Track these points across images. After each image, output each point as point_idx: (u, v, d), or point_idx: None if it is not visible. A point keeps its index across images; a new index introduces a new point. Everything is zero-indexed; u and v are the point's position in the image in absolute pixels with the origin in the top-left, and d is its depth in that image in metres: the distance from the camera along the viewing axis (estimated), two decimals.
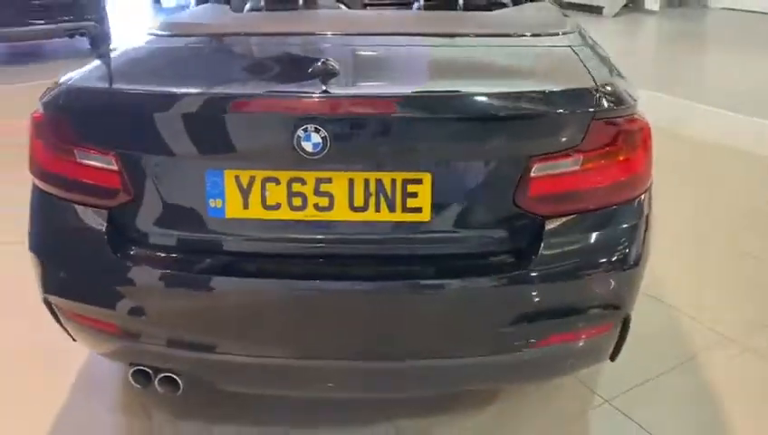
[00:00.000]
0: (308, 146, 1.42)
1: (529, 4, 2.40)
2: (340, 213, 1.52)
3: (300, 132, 1.41)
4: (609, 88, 1.54)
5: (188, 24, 2.11)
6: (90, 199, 1.59)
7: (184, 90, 1.54)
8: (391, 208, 1.50)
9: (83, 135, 1.56)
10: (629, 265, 1.57)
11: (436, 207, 1.51)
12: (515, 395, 2.06)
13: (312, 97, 1.43)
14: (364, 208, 1.51)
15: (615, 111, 1.52)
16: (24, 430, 1.96)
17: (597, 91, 1.51)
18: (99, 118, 1.55)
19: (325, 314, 1.55)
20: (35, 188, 1.68)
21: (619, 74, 1.73)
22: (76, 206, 1.60)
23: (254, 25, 2.07)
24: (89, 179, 1.57)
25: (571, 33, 1.90)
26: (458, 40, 1.87)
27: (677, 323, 2.44)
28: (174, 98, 1.51)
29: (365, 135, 1.48)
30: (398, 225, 1.52)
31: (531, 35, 1.86)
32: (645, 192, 1.63)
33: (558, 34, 1.87)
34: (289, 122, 1.42)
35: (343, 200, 1.51)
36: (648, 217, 1.63)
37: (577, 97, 1.50)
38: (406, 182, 1.49)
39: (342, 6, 2.49)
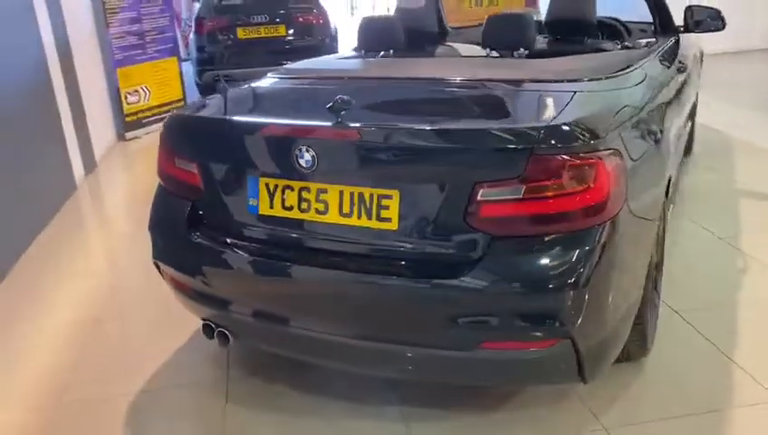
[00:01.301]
0: (302, 162, 1.89)
1: (619, 51, 2.61)
2: (333, 217, 1.94)
3: (296, 151, 1.88)
4: (562, 128, 1.76)
5: (297, 69, 2.70)
6: (181, 193, 2.24)
7: (242, 118, 2.11)
8: (369, 217, 1.89)
9: (179, 148, 2.21)
10: (570, 287, 1.74)
11: (403, 219, 1.85)
12: (512, 406, 2.24)
13: (306, 125, 1.90)
14: (350, 215, 1.92)
15: (559, 148, 1.72)
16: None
17: (540, 130, 1.74)
18: (187, 137, 2.19)
19: (314, 293, 1.98)
20: (158, 184, 2.38)
21: (611, 115, 1.91)
22: (173, 197, 2.26)
23: (339, 71, 2.59)
24: (182, 179, 2.22)
25: (610, 78, 2.16)
26: (492, 85, 2.20)
27: (725, 371, 2.36)
28: (231, 124, 2.09)
29: (346, 156, 1.89)
30: (373, 230, 1.90)
31: (566, 81, 2.14)
32: (602, 223, 1.77)
33: (589, 80, 2.13)
34: (290, 144, 1.90)
35: (335, 207, 1.93)
36: (606, 246, 1.78)
37: (517, 135, 1.75)
38: (380, 197, 1.87)
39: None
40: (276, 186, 2.01)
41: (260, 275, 2.06)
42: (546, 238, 1.77)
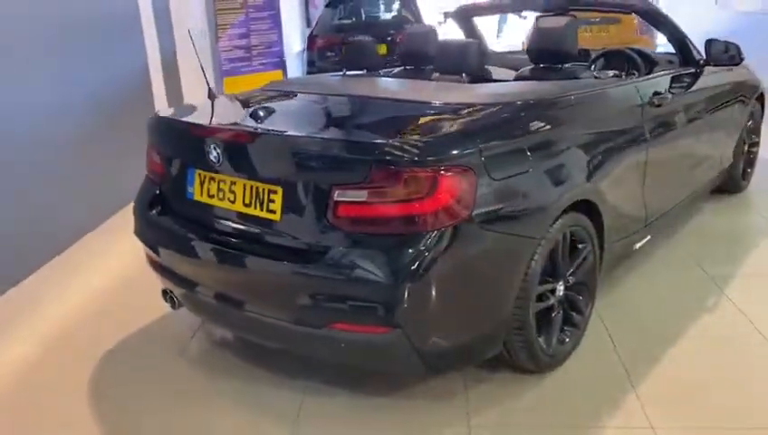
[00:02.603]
0: (212, 158, 2.29)
1: (557, 82, 2.76)
2: (239, 206, 2.32)
3: (208, 149, 2.29)
4: (402, 143, 2.04)
5: (280, 83, 3.10)
6: (154, 179, 2.73)
7: (184, 119, 2.54)
8: (262, 208, 2.25)
9: (153, 142, 2.70)
10: (399, 282, 1.98)
11: (284, 212, 2.19)
12: (400, 394, 2.46)
13: (212, 127, 2.32)
14: (249, 205, 2.29)
15: (396, 161, 1.98)
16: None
17: (382, 144, 2.01)
18: (156, 134, 2.67)
19: (222, 270, 2.35)
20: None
21: (469, 137, 2.13)
22: (149, 183, 2.76)
23: (304, 86, 2.95)
24: (153, 168, 2.71)
25: (503, 105, 2.39)
26: (398, 103, 2.50)
27: (622, 398, 2.40)
28: (179, 124, 2.53)
29: (242, 155, 2.26)
30: (264, 220, 2.25)
31: (456, 104, 2.43)
32: (438, 230, 2.00)
33: (480, 106, 2.39)
34: (204, 142, 2.31)
35: (240, 198, 2.31)
36: (442, 251, 2.00)
37: (364, 146, 2.04)
38: (269, 192, 2.22)
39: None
40: (204, 177, 2.43)
41: (188, 251, 2.47)
42: (385, 238, 2.03)
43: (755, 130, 4.59)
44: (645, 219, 3.14)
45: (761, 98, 4.51)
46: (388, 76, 3.49)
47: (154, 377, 2.70)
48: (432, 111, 2.41)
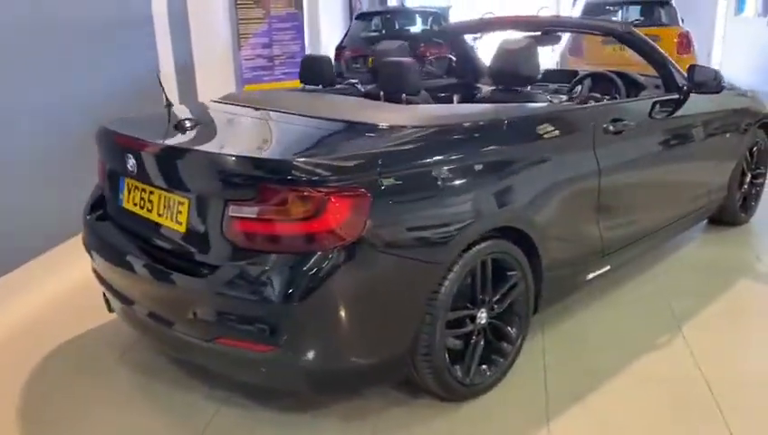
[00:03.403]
0: (129, 167, 2.34)
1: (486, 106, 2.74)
2: (155, 215, 2.36)
3: (126, 158, 2.34)
4: (289, 163, 2.03)
5: (233, 96, 3.12)
6: (100, 184, 2.81)
7: (114, 130, 2.59)
8: (172, 218, 2.28)
9: (99, 150, 2.77)
10: (281, 302, 1.98)
11: (189, 223, 2.22)
12: (313, 411, 2.45)
13: (127, 138, 2.38)
14: (163, 215, 2.33)
15: (283, 180, 1.98)
16: None
17: (269, 162, 2.03)
18: (100, 142, 2.74)
19: (133, 274, 2.37)
20: None
21: (365, 159, 2.11)
22: (96, 188, 2.84)
23: (251, 101, 2.94)
24: (99, 173, 2.79)
25: (377, 126, 2.37)
26: (315, 121, 2.53)
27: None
28: (112, 134, 2.59)
29: (154, 166, 2.30)
30: (173, 230, 2.28)
31: (363, 124, 2.42)
32: (323, 251, 1.98)
33: (382, 128, 2.36)
34: (124, 152, 2.37)
35: (156, 207, 2.35)
36: (328, 273, 1.98)
37: (253, 163, 2.04)
38: (178, 203, 2.26)
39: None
40: (131, 185, 2.49)
41: (111, 256, 2.54)
42: (270, 257, 2.02)
43: (761, 161, 4.36)
44: (602, 250, 3.03)
45: (766, 126, 4.29)
46: (336, 93, 3.47)
47: (92, 381, 2.76)
48: (342, 131, 2.40)
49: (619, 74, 3.78)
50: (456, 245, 2.25)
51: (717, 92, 3.42)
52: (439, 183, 2.22)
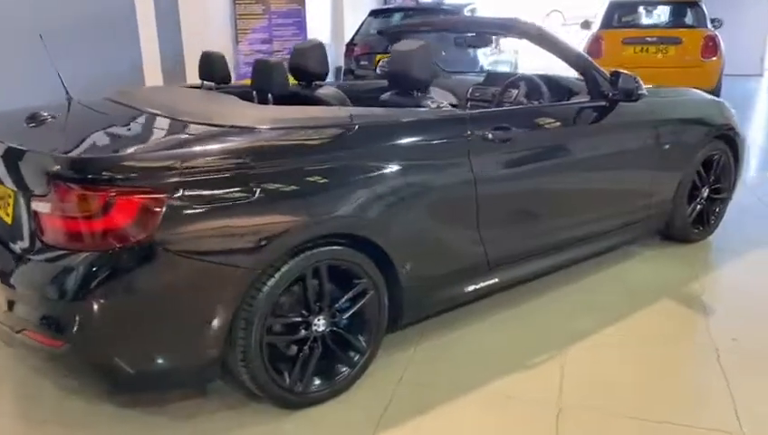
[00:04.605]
0: None
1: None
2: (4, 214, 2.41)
3: None
4: (73, 160, 2.06)
5: (116, 92, 3.08)
6: None
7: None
8: (6, 213, 2.33)
9: None
10: (64, 297, 2.00)
11: (13, 217, 2.26)
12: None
13: None
14: (0, 207, 2.38)
15: (71, 177, 1.99)
16: None
17: (63, 159, 2.05)
18: None
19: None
20: None
21: (163, 159, 2.09)
22: None
23: (126, 97, 2.92)
24: None
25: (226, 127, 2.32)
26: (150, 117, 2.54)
27: None
28: None
29: None
30: (4, 222, 2.33)
31: (188, 124, 2.39)
32: (110, 250, 1.99)
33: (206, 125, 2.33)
34: None
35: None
36: (115, 272, 2.00)
37: (47, 160, 2.07)
38: (7, 196, 2.31)
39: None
40: None
41: None
42: (61, 252, 2.04)
43: (723, 174, 4.08)
44: (486, 262, 2.91)
45: (729, 138, 4.01)
46: (224, 92, 3.42)
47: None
48: (170, 130, 2.39)
49: (548, 79, 3.62)
50: (273, 251, 2.21)
51: (634, 101, 3.22)
52: (253, 188, 2.17)
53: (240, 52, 7.40)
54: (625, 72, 3.26)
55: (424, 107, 2.85)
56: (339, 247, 2.40)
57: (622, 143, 3.39)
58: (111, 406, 2.49)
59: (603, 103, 3.28)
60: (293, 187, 2.26)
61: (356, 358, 2.55)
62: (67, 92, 3.04)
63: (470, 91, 4.11)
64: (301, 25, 7.76)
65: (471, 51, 9.23)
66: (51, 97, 3.94)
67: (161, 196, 2.02)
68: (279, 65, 3.12)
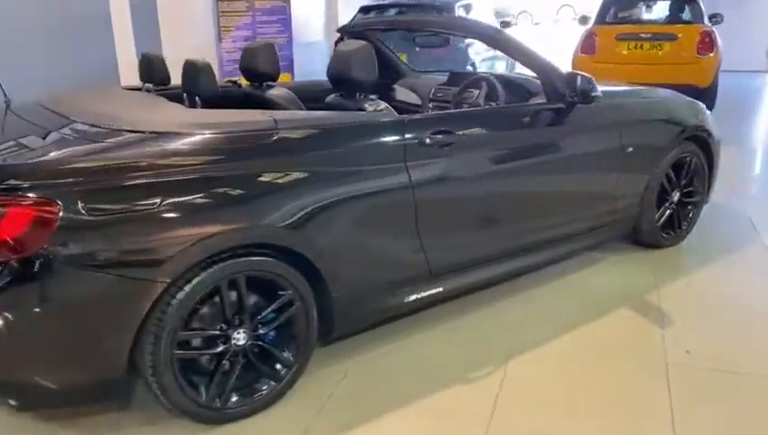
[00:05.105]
0: None
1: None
2: None
3: None
4: None
5: (47, 95, 3.00)
6: None
7: None
8: None
9: None
10: None
11: None
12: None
13: None
14: None
15: None
16: None
17: None
18: None
19: None
20: None
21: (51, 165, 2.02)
22: None
23: (51, 101, 2.83)
24: None
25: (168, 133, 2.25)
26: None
27: None
28: None
29: None
30: None
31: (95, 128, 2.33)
32: (3, 262, 1.91)
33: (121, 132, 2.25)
34: None
35: None
36: (6, 282, 1.92)
37: None
38: None
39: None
40: None
41: None
42: None
43: (697, 178, 3.94)
44: (429, 270, 2.81)
45: (702, 140, 3.87)
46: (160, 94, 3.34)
47: None
48: (79, 136, 2.30)
49: (507, 80, 3.50)
50: (181, 262, 2.12)
51: (588, 102, 3.09)
52: (160, 196, 2.08)
53: (223, 49, 7.32)
54: (582, 73, 3.13)
55: (363, 110, 2.75)
56: (258, 258, 2.30)
57: (580, 146, 3.26)
58: (27, 419, 2.43)
59: (560, 105, 3.16)
60: (204, 196, 2.17)
61: (282, 372, 2.46)
62: (6, 96, 2.98)
63: (432, 91, 4.00)
64: (285, 22, 7.65)
65: (463, 48, 9.16)
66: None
67: (55, 206, 1.94)
68: (206, 66, 3.03)
